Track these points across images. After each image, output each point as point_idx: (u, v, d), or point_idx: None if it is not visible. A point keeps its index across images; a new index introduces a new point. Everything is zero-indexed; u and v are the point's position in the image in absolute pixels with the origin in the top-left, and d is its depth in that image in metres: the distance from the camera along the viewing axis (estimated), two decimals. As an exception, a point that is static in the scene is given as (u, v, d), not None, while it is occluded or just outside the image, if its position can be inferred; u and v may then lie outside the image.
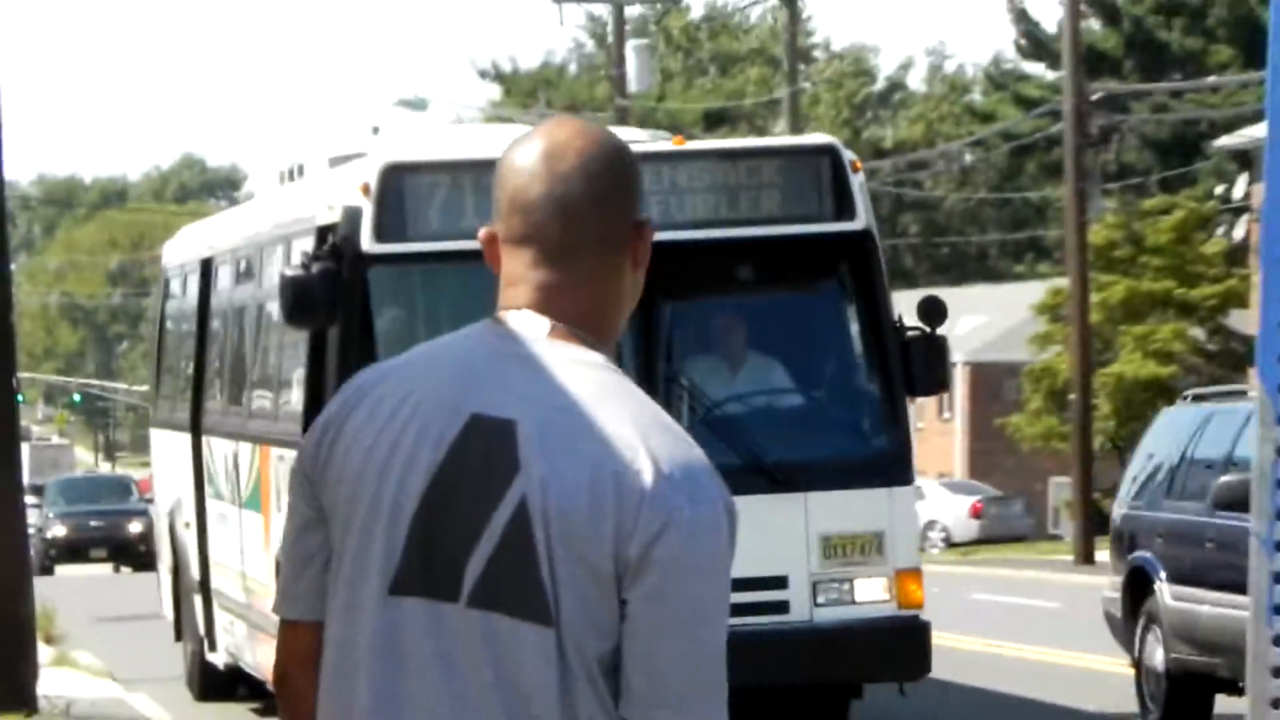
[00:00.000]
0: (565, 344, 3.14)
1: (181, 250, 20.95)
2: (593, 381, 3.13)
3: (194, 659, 18.18)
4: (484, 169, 11.49)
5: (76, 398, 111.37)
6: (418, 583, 3.12)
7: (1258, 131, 37.85)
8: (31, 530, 46.76)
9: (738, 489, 10.73)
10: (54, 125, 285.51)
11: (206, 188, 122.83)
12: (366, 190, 11.47)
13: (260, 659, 15.10)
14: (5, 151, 17.93)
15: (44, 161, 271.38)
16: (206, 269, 18.40)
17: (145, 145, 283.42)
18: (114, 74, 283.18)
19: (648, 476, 3.04)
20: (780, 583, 11.73)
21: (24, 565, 18.72)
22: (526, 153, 3.19)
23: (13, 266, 21.27)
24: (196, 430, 17.89)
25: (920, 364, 12.40)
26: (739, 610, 11.87)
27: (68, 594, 35.75)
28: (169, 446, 19.91)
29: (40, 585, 28.59)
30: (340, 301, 11.35)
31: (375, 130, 17.66)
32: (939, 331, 12.63)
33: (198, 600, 17.63)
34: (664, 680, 3.06)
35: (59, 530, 51.09)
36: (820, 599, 11.84)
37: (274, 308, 14.18)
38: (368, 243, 11.43)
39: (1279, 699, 4.74)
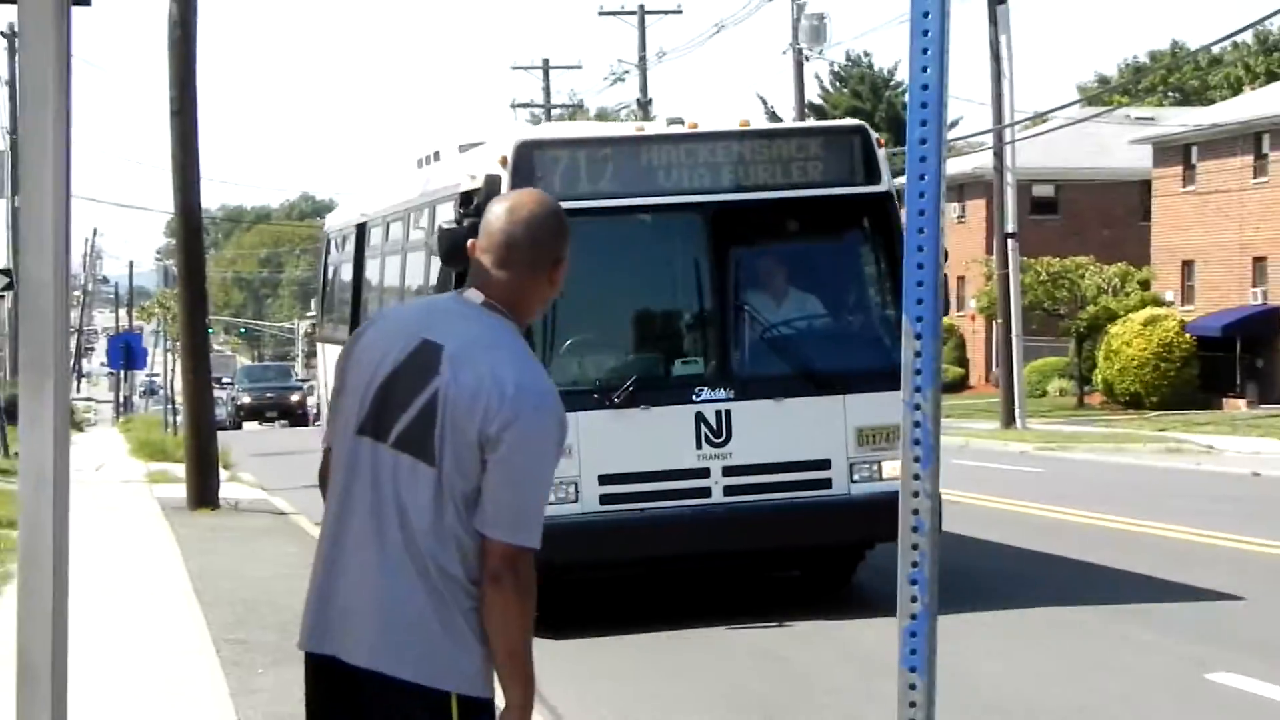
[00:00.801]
0: (491, 313, 3.23)
1: (340, 219, 18.51)
2: (496, 334, 3.21)
3: None
4: (594, 145, 9.38)
5: (243, 330, 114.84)
6: (370, 429, 3.21)
7: (900, 181, 38.31)
8: (225, 399, 46.76)
9: (793, 393, 9.37)
10: (227, 170, 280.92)
11: (315, 211, 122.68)
12: (504, 161, 9.30)
13: None
14: (202, 188, 18.15)
15: (223, 195, 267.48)
16: (361, 230, 15.93)
17: (280, 183, 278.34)
18: (260, 138, 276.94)
19: (510, 389, 3.11)
20: (825, 464, 9.69)
21: (212, 421, 18.54)
22: (502, 204, 3.31)
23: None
24: None
25: None
26: (794, 486, 9.37)
27: (241, 439, 35.25)
28: (330, 354, 17.88)
29: (229, 435, 28.22)
30: None
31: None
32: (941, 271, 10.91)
33: None
34: (502, 510, 3.12)
35: (245, 399, 49.30)
36: (855, 476, 9.74)
37: (420, 255, 12.07)
38: None
39: (918, 491, 4.77)
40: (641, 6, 43.66)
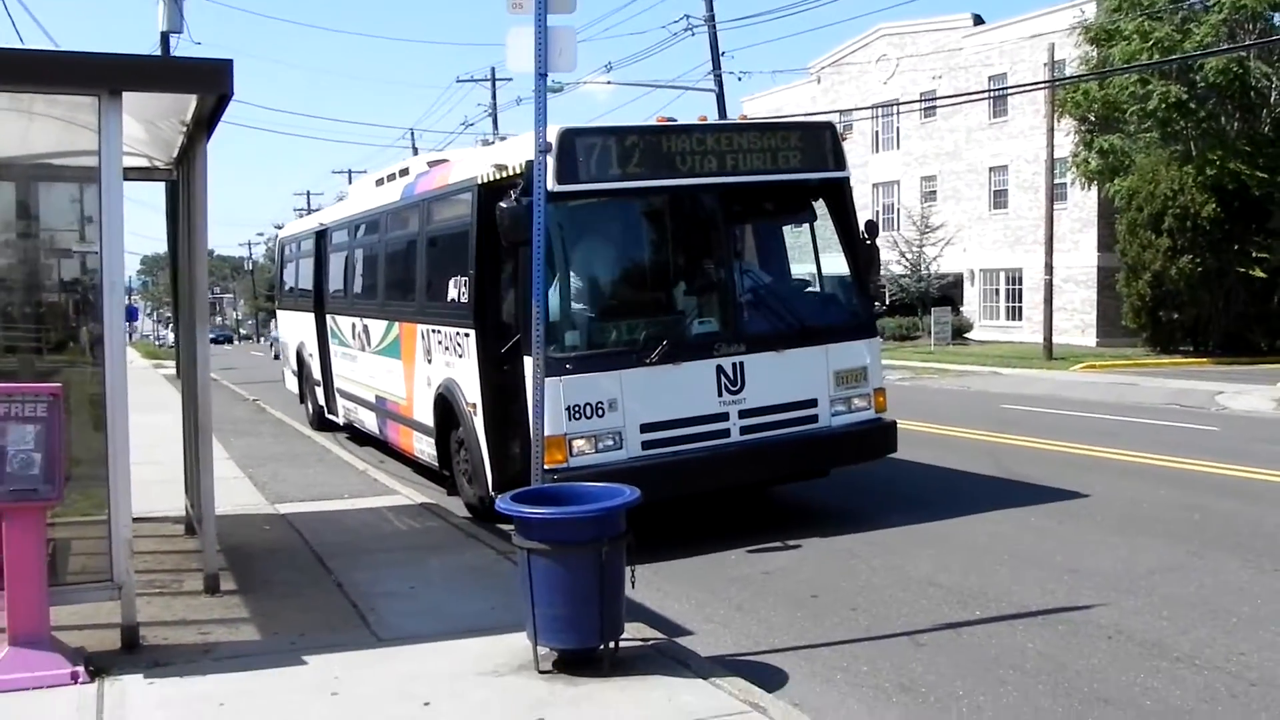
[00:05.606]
0: None
1: (293, 229, 20.42)
2: None
3: (317, 413, 18.29)
4: (624, 134, 10.09)
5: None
6: None
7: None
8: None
9: (789, 345, 10.78)
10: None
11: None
12: (549, 148, 9.57)
13: (364, 419, 15.24)
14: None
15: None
16: (322, 234, 17.28)
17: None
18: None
19: None
20: (813, 404, 10.64)
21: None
22: None
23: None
24: (320, 311, 17.15)
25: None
26: (791, 423, 10.54)
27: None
28: (290, 318, 19.69)
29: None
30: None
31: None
32: (876, 243, 11.30)
33: (319, 389, 17.83)
34: None
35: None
36: (834, 410, 10.71)
37: (412, 241, 12.95)
38: (552, 184, 9.59)
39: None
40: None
